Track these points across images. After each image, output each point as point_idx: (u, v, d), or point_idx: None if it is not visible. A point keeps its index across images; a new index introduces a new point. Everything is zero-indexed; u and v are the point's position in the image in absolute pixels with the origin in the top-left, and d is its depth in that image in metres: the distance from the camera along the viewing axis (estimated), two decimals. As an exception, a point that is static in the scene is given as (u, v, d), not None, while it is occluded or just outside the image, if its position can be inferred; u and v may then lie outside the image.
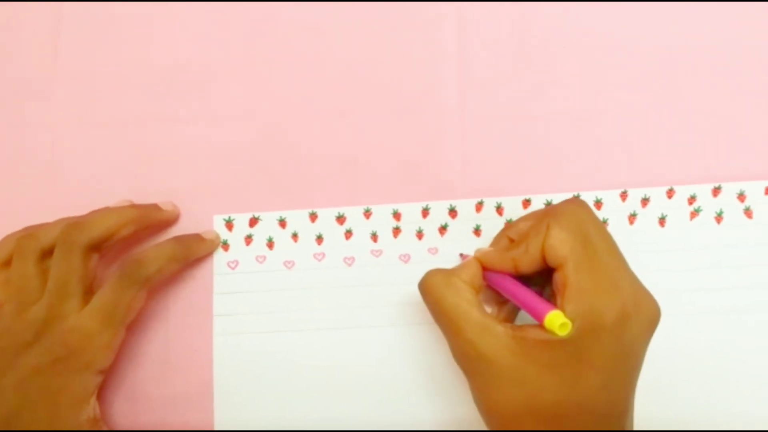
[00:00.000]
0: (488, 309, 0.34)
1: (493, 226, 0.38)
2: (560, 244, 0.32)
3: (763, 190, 0.37)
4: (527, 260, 0.33)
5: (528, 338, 0.31)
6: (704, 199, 0.37)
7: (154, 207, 0.38)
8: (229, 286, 0.39)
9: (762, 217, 0.37)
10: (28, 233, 0.35)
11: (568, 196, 0.38)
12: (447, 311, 0.32)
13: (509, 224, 0.37)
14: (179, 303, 0.39)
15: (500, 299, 0.35)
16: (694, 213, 0.37)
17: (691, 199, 0.37)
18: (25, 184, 0.41)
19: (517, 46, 0.40)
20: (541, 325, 0.30)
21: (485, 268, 0.34)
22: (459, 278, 0.33)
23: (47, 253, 0.35)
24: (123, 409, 0.38)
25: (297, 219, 0.39)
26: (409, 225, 0.39)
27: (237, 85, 0.41)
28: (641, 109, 0.39)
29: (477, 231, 0.38)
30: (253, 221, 0.39)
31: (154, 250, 0.36)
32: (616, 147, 0.38)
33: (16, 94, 0.42)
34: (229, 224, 0.39)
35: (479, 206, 0.38)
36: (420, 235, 0.39)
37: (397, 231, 0.39)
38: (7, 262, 0.35)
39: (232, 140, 0.40)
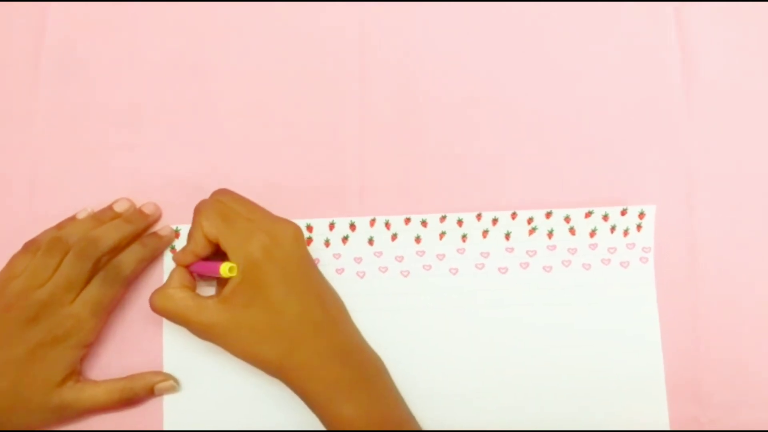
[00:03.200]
0: (213, 291, 0.48)
1: (384, 238, 0.50)
2: (209, 227, 0.44)
3: (583, 215, 0.50)
4: (200, 248, 0.45)
5: (226, 294, 0.44)
6: (539, 220, 0.50)
7: (143, 216, 0.49)
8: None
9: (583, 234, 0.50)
10: (57, 236, 0.46)
11: (437, 215, 0.50)
12: (173, 314, 0.44)
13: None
14: (136, 294, 0.49)
15: (220, 281, 0.47)
16: (532, 230, 0.50)
17: (530, 220, 0.50)
18: (6, 200, 0.50)
19: (406, 100, 0.52)
20: (226, 279, 0.44)
21: (186, 266, 0.46)
22: (170, 287, 0.45)
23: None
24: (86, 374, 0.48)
25: (231, 230, 0.50)
26: (319, 236, 0.50)
27: (182, 122, 0.51)
28: (495, 152, 0.51)
29: (371, 241, 0.50)
30: (196, 231, 0.50)
31: (127, 255, 0.47)
32: (473, 178, 0.51)
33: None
34: (176, 233, 0.50)
35: (372, 222, 0.50)
36: (327, 243, 0.50)
37: (309, 240, 0.50)
38: (35, 250, 0.46)
39: (180, 166, 0.51)
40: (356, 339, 0.47)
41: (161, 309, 0.45)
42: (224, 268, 0.43)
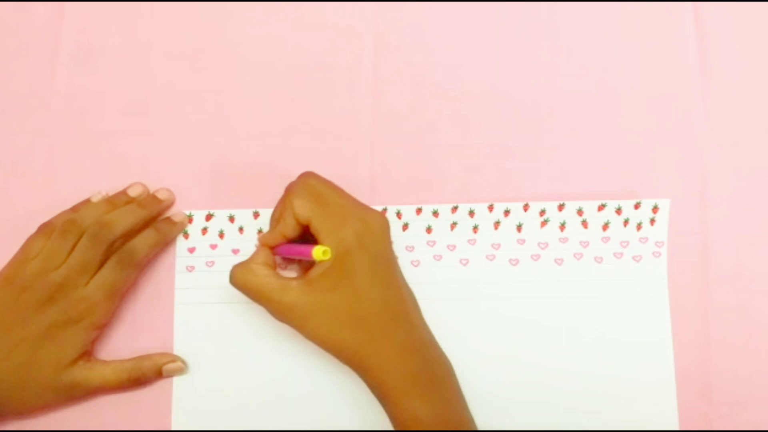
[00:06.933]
0: (295, 273, 0.47)
1: (395, 228, 0.49)
2: (301, 209, 0.44)
3: (596, 208, 0.50)
4: (290, 229, 0.45)
5: (312, 277, 0.43)
6: (552, 212, 0.50)
7: (156, 201, 0.49)
8: (187, 267, 0.50)
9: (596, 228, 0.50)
10: (71, 219, 0.46)
11: (449, 206, 0.50)
12: (254, 290, 0.44)
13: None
14: (147, 278, 0.50)
15: (302, 264, 0.48)
16: (544, 222, 0.50)
17: (542, 212, 0.50)
18: (22, 185, 0.51)
19: (419, 91, 0.52)
20: (308, 264, 0.43)
21: (271, 247, 0.46)
22: (254, 263, 0.44)
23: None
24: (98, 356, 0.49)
25: (243, 216, 0.50)
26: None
27: (195, 111, 0.52)
28: (508, 143, 0.51)
29: (382, 230, 0.50)
30: (209, 217, 0.50)
31: (140, 240, 0.47)
32: (485, 169, 0.51)
33: (16, 104, 0.52)
34: (189, 218, 0.50)
35: (383, 212, 0.50)
36: (338, 232, 0.50)
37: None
38: (50, 232, 0.46)
39: (193, 153, 0.51)
40: (429, 336, 0.47)
41: (242, 283, 0.44)
42: (317, 251, 0.42)
